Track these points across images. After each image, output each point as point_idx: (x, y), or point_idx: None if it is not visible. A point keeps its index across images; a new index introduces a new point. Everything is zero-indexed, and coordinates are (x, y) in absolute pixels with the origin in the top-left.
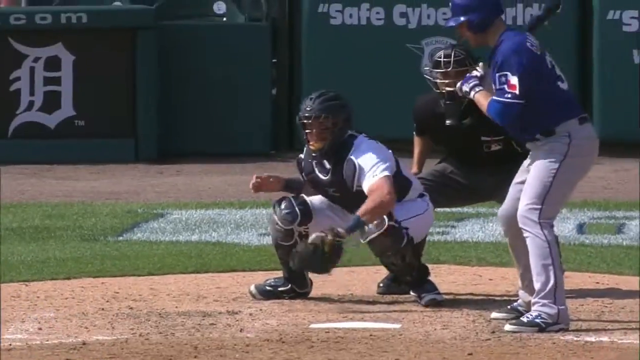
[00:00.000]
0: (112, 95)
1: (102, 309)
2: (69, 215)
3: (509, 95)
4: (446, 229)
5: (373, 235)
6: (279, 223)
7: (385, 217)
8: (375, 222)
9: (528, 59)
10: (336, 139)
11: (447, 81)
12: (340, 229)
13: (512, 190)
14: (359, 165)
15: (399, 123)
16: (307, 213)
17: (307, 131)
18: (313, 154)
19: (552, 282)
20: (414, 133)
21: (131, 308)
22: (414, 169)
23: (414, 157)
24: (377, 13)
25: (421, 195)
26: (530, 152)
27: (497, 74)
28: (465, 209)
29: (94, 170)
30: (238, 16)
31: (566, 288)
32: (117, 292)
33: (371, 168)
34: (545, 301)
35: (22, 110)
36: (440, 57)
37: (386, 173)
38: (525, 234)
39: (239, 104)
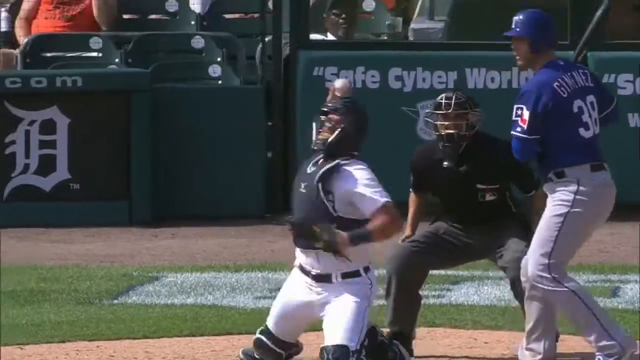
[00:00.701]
0: (106, 158)
1: None
2: (64, 278)
3: (519, 129)
4: (441, 292)
5: None
6: None
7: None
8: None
9: (548, 99)
10: (343, 140)
11: (446, 123)
12: (344, 236)
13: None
14: (358, 186)
15: (394, 186)
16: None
17: (322, 118)
18: (316, 145)
19: (597, 323)
20: (410, 189)
21: None
22: (408, 232)
23: (408, 218)
24: (373, 76)
25: (366, 269)
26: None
27: (515, 105)
28: (461, 272)
29: (89, 233)
30: (233, 79)
31: (562, 351)
32: (112, 356)
33: (372, 191)
34: (603, 342)
35: (18, 174)
36: (442, 99)
37: (387, 199)
38: (547, 294)
39: (233, 167)
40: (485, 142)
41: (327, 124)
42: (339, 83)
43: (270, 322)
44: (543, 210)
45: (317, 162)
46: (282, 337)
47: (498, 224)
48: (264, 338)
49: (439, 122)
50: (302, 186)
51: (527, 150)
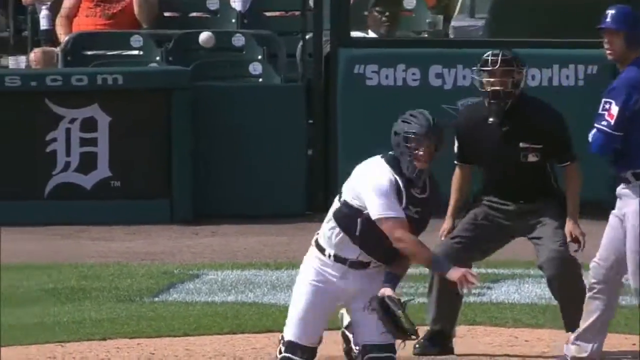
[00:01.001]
0: (147, 156)
1: None
2: (105, 276)
3: (605, 123)
4: (482, 290)
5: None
6: None
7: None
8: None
9: (639, 96)
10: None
11: (492, 80)
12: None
13: (605, 240)
14: None
15: None
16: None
17: (417, 148)
18: (416, 174)
19: None
20: (455, 162)
21: None
22: (447, 224)
23: (449, 207)
24: (413, 74)
25: None
26: (621, 200)
27: (603, 98)
28: (501, 271)
29: (129, 231)
30: (274, 77)
31: (604, 349)
32: (153, 353)
33: None
34: None
35: (58, 171)
36: (488, 56)
37: None
38: None
39: (274, 165)
40: (531, 102)
41: (427, 153)
42: (203, 36)
43: (294, 335)
44: (575, 185)
45: (416, 187)
46: (311, 344)
47: (537, 204)
48: (293, 356)
49: (484, 79)
50: (414, 211)
51: (609, 146)
